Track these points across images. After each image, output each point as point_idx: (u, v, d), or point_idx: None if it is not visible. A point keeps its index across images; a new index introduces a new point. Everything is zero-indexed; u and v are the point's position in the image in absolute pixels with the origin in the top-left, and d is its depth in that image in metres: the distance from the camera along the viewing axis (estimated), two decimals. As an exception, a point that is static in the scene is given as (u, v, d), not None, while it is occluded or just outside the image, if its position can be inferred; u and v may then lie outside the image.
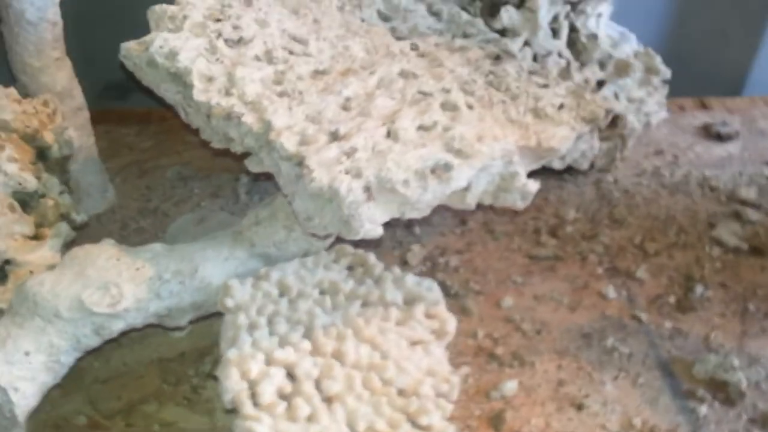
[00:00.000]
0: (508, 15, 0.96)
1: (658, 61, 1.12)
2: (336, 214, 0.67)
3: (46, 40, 0.93)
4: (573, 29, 1.06)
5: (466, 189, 0.73)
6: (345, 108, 0.74)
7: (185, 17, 0.80)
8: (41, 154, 0.91)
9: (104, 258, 0.78)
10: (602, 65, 1.07)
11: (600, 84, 1.08)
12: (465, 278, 0.96)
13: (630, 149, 1.15)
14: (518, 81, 0.80)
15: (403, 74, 0.78)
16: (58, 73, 0.95)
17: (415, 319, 0.75)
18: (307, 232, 0.76)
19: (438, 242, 1.00)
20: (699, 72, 1.35)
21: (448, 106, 0.75)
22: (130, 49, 0.82)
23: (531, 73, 0.83)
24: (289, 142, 0.70)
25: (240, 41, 0.78)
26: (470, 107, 0.75)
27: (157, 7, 0.84)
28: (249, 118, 0.72)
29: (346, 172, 0.68)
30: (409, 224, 1.02)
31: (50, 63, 0.94)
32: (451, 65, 0.80)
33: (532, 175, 0.79)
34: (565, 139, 0.76)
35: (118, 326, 0.78)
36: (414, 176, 0.69)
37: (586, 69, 1.05)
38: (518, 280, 0.97)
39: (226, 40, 0.79)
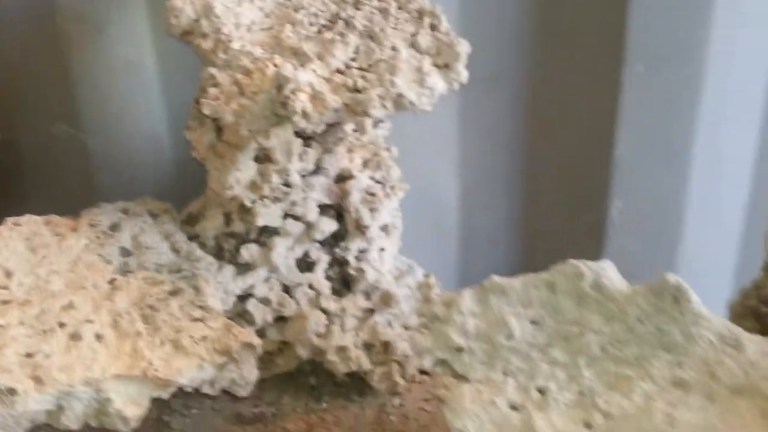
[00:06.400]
0: (248, 252, 1.10)
1: (434, 291, 1.19)
2: None
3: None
4: (345, 263, 1.17)
5: (60, 410, 0.85)
6: None
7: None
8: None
9: None
10: (368, 296, 1.16)
11: (371, 311, 1.17)
12: None
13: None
14: (171, 316, 0.93)
15: (67, 307, 0.93)
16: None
17: None
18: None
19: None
20: None
21: (76, 337, 0.88)
22: None
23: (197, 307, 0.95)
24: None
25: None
26: (99, 337, 0.89)
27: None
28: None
29: None
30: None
31: None
32: (120, 299, 0.94)
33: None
34: (186, 369, 0.87)
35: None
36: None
37: (346, 299, 1.15)
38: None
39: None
